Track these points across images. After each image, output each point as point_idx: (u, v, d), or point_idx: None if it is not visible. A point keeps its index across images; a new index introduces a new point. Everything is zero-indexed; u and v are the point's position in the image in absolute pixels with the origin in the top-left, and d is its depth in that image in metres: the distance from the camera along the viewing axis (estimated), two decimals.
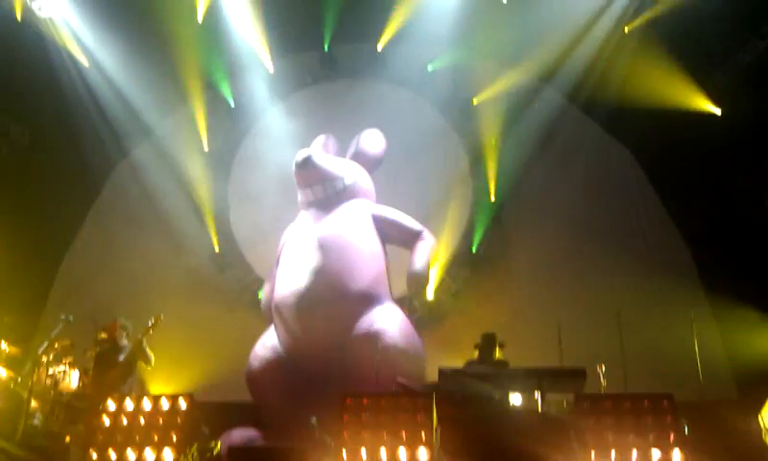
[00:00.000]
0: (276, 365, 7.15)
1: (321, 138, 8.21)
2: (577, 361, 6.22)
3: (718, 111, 8.61)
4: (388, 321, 6.97)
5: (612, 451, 4.80)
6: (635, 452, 4.77)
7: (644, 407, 4.95)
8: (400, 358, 6.72)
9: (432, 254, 7.57)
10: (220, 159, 10.31)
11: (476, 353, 7.26)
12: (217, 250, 9.93)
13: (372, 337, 6.74)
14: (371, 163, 8.07)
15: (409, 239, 7.56)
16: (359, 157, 8.02)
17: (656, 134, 9.04)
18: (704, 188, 8.70)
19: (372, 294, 7.15)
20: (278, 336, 7.29)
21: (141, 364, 7.47)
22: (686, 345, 6.90)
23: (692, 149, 8.59)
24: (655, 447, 4.74)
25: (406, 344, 6.94)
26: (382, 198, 8.04)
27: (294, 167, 7.56)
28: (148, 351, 7.36)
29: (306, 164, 7.49)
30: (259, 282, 9.08)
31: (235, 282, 9.81)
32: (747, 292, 8.04)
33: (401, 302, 7.76)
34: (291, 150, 7.99)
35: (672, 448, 4.72)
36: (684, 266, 9.18)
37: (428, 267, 7.46)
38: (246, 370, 7.29)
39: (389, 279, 7.49)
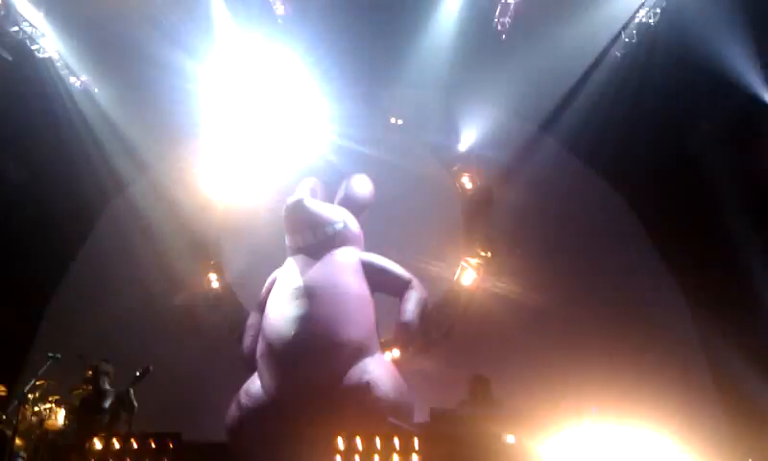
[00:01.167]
0: (260, 415, 6.97)
1: (308, 182, 8.11)
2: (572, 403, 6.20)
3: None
4: (378, 371, 6.89)
5: None
6: None
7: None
8: (392, 409, 6.62)
9: (421, 302, 7.49)
10: (212, 198, 10.32)
11: (468, 394, 7.24)
12: (209, 287, 9.91)
13: (363, 388, 6.67)
14: (359, 208, 8.03)
15: (398, 287, 7.50)
16: (347, 202, 7.98)
17: (652, 183, 9.14)
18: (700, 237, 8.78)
19: (361, 343, 7.06)
20: (263, 384, 7.12)
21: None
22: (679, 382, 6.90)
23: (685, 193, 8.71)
24: None
25: (397, 394, 6.86)
26: (370, 242, 8.00)
27: (284, 212, 7.52)
28: (134, 401, 7.25)
29: (297, 209, 7.43)
30: None
31: (226, 321, 9.75)
32: (740, 340, 8.08)
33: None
34: (280, 192, 7.97)
35: None
36: (677, 315, 9.19)
37: (418, 316, 7.38)
38: (227, 418, 7.10)
39: (377, 328, 7.43)
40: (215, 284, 10.01)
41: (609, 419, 6.37)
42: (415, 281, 7.56)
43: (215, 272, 10.06)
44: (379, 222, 8.38)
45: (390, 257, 7.78)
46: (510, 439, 5.73)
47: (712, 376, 8.49)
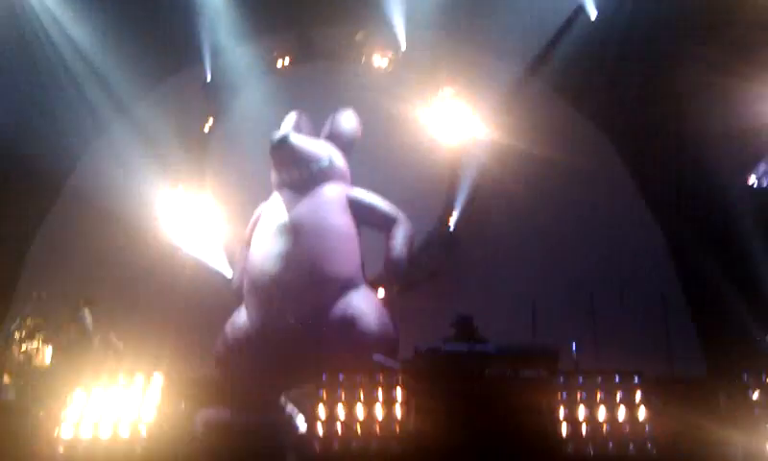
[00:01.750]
0: (246, 345, 7.02)
1: (293, 116, 7.87)
2: (551, 338, 6.34)
3: None
4: (363, 305, 6.94)
5: (584, 426, 4.89)
6: (606, 426, 4.87)
7: (614, 383, 5.04)
8: (376, 343, 6.71)
9: (408, 239, 7.52)
10: (195, 139, 10.22)
11: (452, 332, 7.36)
12: (194, 226, 9.84)
13: (348, 322, 6.74)
14: (345, 144, 7.88)
15: (385, 223, 7.48)
16: (334, 138, 7.83)
17: (638, 126, 9.15)
18: (681, 176, 8.85)
19: (347, 279, 7.06)
20: (249, 317, 7.18)
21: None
22: (658, 323, 7.06)
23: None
24: (624, 421, 4.83)
25: (381, 328, 6.92)
26: (357, 180, 7.96)
27: (270, 147, 7.45)
28: (116, 342, 7.29)
29: (282, 145, 7.32)
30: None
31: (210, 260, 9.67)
32: (719, 276, 8.22)
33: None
34: (266, 129, 7.85)
35: (641, 423, 4.82)
36: (656, 250, 9.34)
37: (405, 252, 7.42)
38: (214, 349, 7.20)
39: (363, 263, 7.47)
40: (201, 220, 9.94)
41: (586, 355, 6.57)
42: (402, 217, 7.53)
43: (199, 209, 9.98)
44: (366, 159, 8.33)
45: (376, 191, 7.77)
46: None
47: (692, 313, 8.68)
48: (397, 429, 4.94)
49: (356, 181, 7.94)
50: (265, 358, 6.85)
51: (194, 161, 10.14)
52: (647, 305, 7.77)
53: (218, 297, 8.42)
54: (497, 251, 9.45)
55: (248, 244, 7.55)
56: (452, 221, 9.83)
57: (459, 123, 10.04)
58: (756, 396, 4.84)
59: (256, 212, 7.73)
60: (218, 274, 9.22)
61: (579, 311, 7.76)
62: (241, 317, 7.26)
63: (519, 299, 8.19)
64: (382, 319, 7.03)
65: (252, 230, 7.59)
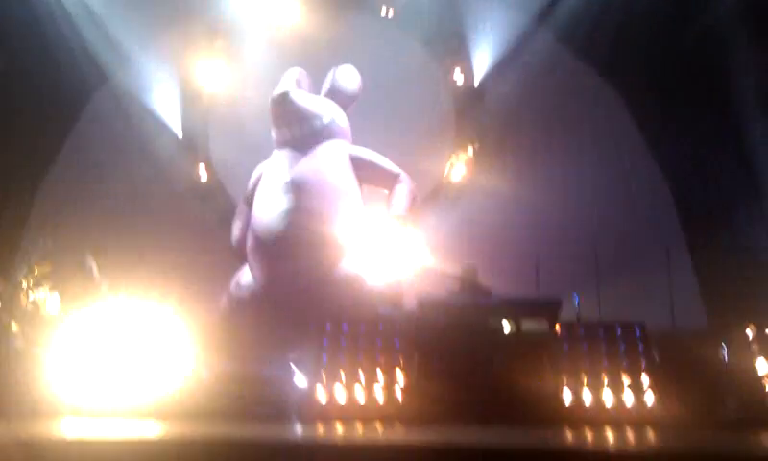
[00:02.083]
0: (252, 304, 7.10)
1: (294, 72, 7.74)
2: (554, 290, 6.36)
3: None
4: (367, 262, 7.00)
5: (584, 377, 4.94)
6: (605, 378, 4.92)
7: (617, 335, 5.08)
8: (381, 299, 6.78)
9: (411, 197, 7.52)
10: (199, 89, 10.11)
11: (456, 285, 7.40)
12: (199, 179, 9.85)
13: (353, 279, 6.79)
14: (346, 101, 7.82)
15: (387, 181, 7.49)
16: (334, 95, 7.76)
17: (647, 79, 9.02)
18: (688, 127, 8.76)
19: (351, 236, 7.11)
20: (254, 276, 7.23)
21: None
22: (661, 276, 7.08)
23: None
24: (625, 373, 4.88)
25: (386, 285, 7.00)
26: (358, 137, 7.89)
27: (270, 104, 7.36)
28: (90, 262, 7.28)
29: (284, 102, 7.26)
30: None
31: (215, 213, 9.70)
32: (724, 230, 8.23)
33: None
34: (267, 83, 7.75)
35: (642, 375, 4.87)
36: (662, 204, 9.30)
37: (408, 210, 7.43)
38: (219, 307, 7.27)
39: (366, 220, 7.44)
40: (204, 176, 9.95)
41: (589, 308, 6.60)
42: (404, 175, 7.56)
43: (204, 163, 9.98)
44: (368, 116, 8.24)
45: (379, 149, 7.73)
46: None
47: (696, 267, 8.69)
48: (400, 382, 5.00)
49: (357, 138, 7.90)
50: (270, 316, 6.92)
51: (196, 115, 10.06)
52: (651, 260, 7.79)
53: (226, 249, 8.50)
54: (501, 204, 9.42)
55: (249, 202, 7.54)
56: (456, 175, 9.78)
57: (463, 77, 9.93)
58: (756, 349, 4.87)
59: (257, 170, 7.71)
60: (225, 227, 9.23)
61: (582, 265, 7.78)
62: (246, 276, 7.31)
63: (523, 252, 8.19)
64: (386, 274, 7.09)
65: (254, 188, 7.57)
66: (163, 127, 9.78)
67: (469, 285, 7.19)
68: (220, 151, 9.95)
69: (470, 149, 9.82)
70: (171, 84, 9.90)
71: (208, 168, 9.98)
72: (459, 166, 9.83)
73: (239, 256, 7.56)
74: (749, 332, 4.94)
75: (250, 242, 7.32)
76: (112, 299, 7.37)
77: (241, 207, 7.83)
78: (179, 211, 9.54)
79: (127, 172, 9.45)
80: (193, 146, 9.98)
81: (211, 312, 7.42)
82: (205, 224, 9.54)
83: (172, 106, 9.90)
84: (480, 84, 9.83)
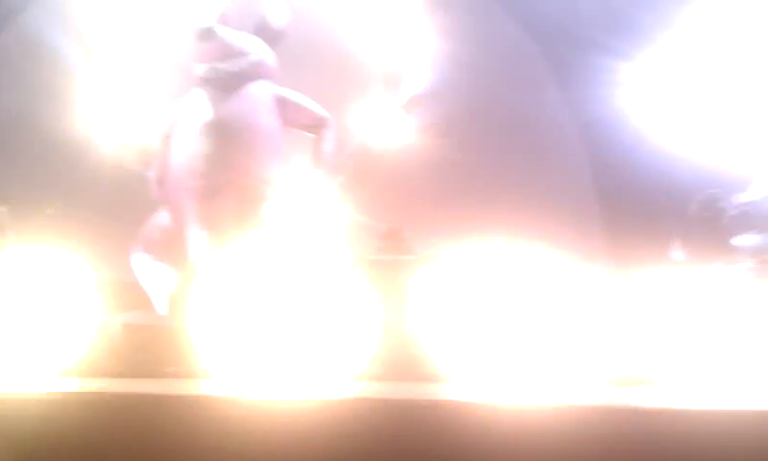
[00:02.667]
0: (169, 249, 6.91)
1: (217, 7, 7.26)
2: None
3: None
4: (293, 210, 6.89)
5: None
6: None
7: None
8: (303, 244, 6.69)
9: (337, 142, 7.42)
10: (113, 24, 9.54)
11: (381, 243, 7.45)
12: (115, 123, 9.40)
13: (278, 227, 6.68)
14: (274, 38, 7.52)
15: (314, 126, 7.34)
16: (262, 31, 7.45)
17: (570, 40, 9.16)
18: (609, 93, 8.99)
19: (276, 181, 6.98)
20: (172, 220, 7.02)
21: None
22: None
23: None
24: None
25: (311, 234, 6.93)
26: (286, 79, 7.67)
27: (192, 38, 7.03)
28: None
29: (208, 36, 6.87)
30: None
31: (133, 152, 9.24)
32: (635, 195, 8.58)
33: None
34: (187, 18, 7.34)
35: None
36: (579, 165, 9.57)
37: (334, 156, 7.34)
38: (132, 251, 7.05)
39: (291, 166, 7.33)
40: (120, 121, 9.51)
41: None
42: (331, 120, 7.41)
43: (121, 106, 9.52)
44: (295, 61, 7.99)
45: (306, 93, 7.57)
46: None
47: (608, 228, 9.04)
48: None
49: (285, 80, 7.67)
50: (185, 263, 6.75)
51: (111, 43, 9.52)
52: (566, 219, 8.04)
53: (140, 196, 8.18)
54: (427, 161, 9.46)
55: (166, 141, 7.23)
56: (383, 129, 9.73)
57: (397, 23, 9.79)
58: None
59: (176, 109, 7.38)
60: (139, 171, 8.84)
61: (504, 227, 7.92)
62: (162, 219, 7.08)
63: (447, 209, 8.28)
64: (311, 223, 7.02)
65: (172, 126, 7.26)
66: (76, 69, 9.25)
67: (394, 245, 7.29)
68: (137, 91, 9.50)
69: (403, 101, 9.75)
70: (85, 22, 9.35)
71: (125, 111, 9.54)
72: (385, 121, 9.78)
73: (155, 198, 7.29)
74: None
75: (169, 183, 7.06)
76: (20, 248, 7.07)
77: (158, 148, 7.50)
78: (93, 159, 9.14)
79: (36, 117, 8.94)
80: (108, 88, 9.49)
81: (125, 262, 7.19)
82: (123, 171, 9.17)
83: (85, 45, 9.36)
84: (409, 39, 9.73)
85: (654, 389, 4.52)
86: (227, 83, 7.02)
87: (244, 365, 4.87)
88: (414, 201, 9.03)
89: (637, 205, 8.66)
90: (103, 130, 9.31)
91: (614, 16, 8.83)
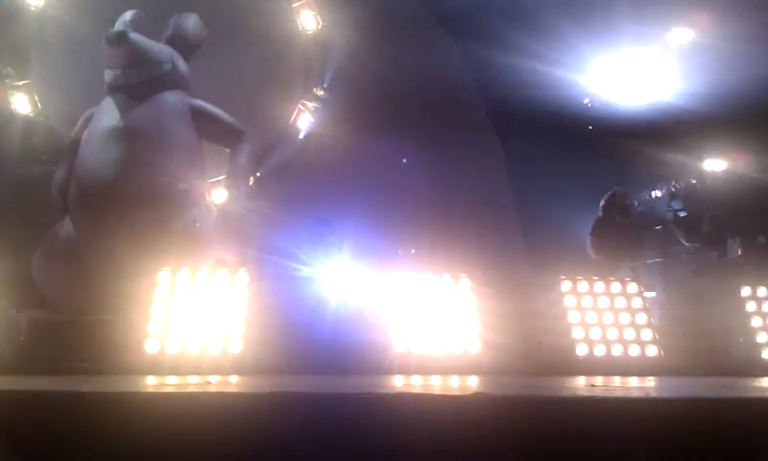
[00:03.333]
0: (73, 259, 6.49)
1: (129, 14, 6.95)
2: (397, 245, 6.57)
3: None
4: (207, 221, 6.70)
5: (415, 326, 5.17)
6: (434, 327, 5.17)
7: (445, 285, 5.33)
8: (220, 258, 6.56)
9: (253, 158, 7.31)
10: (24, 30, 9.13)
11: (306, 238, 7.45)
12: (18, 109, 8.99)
13: (190, 234, 6.49)
14: (188, 49, 7.29)
15: (230, 138, 7.14)
16: (176, 42, 7.19)
17: (484, 34, 9.40)
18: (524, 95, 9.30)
19: (189, 190, 6.67)
20: (77, 228, 6.63)
21: None
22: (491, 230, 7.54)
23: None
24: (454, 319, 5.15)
25: (227, 242, 6.78)
26: (199, 84, 7.49)
27: (104, 43, 6.75)
28: None
29: (121, 42, 6.55)
30: None
31: (38, 150, 8.88)
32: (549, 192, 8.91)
33: None
34: (100, 26, 7.12)
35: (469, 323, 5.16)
36: (495, 161, 9.86)
37: (249, 171, 7.20)
38: (33, 262, 6.67)
39: (206, 177, 7.15)
40: (25, 107, 9.08)
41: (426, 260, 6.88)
42: (247, 134, 7.26)
43: (25, 93, 9.09)
44: (210, 59, 7.83)
45: (222, 96, 7.43)
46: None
47: (522, 227, 9.36)
48: (239, 330, 4.94)
49: (199, 82, 7.51)
50: (94, 271, 6.41)
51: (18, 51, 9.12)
52: (483, 213, 8.27)
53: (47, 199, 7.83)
54: (346, 154, 9.51)
55: (74, 149, 6.89)
56: (302, 123, 9.71)
57: (313, 21, 9.78)
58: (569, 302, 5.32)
59: (85, 115, 7.03)
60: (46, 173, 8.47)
61: (422, 216, 8.07)
62: (66, 228, 6.71)
63: (367, 202, 8.33)
64: (228, 234, 6.88)
65: (81, 131, 6.92)
66: None
67: (322, 238, 7.31)
68: (46, 92, 9.11)
69: (318, 97, 9.75)
70: None
71: (34, 111, 9.13)
72: (306, 115, 9.76)
73: (60, 206, 6.93)
74: (564, 285, 5.36)
75: (74, 191, 6.68)
76: None
77: (64, 154, 7.13)
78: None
79: None
80: (14, 85, 9.06)
81: (27, 264, 6.82)
82: (27, 171, 8.76)
83: None
84: (328, 30, 9.72)
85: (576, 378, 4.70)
86: (138, 89, 6.73)
87: (164, 360, 4.76)
88: (337, 192, 9.05)
89: (552, 204, 8.98)
90: (10, 130, 8.91)
91: (529, 16, 9.11)
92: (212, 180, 7.57)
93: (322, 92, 9.71)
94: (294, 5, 9.67)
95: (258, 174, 8.95)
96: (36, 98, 9.18)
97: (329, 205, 8.39)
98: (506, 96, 9.61)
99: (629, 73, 10.34)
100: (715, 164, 10.38)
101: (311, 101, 9.75)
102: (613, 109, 10.42)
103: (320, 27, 9.67)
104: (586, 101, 10.40)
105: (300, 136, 9.76)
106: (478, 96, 10.04)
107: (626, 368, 4.98)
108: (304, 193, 9.23)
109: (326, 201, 8.69)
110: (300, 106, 9.75)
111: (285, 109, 9.67)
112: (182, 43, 7.23)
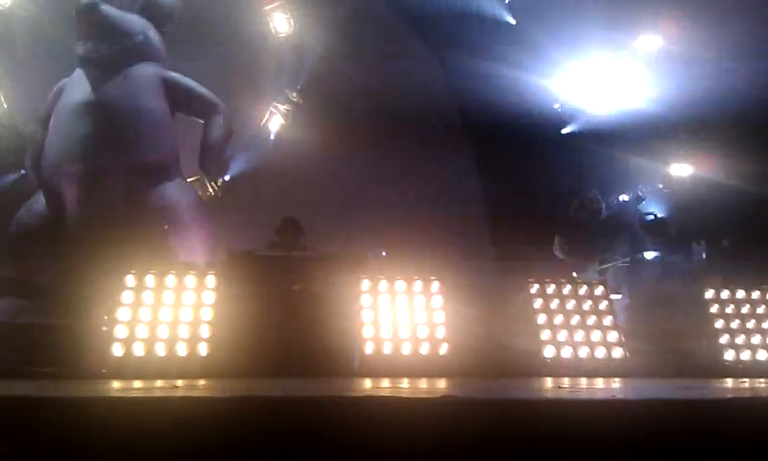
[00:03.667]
0: (43, 234, 6.44)
1: None
2: (363, 246, 6.56)
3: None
4: (179, 197, 6.62)
5: (384, 329, 5.16)
6: (408, 329, 5.16)
7: (416, 289, 5.33)
8: (191, 237, 6.51)
9: (228, 128, 7.17)
10: None
11: (276, 237, 7.42)
12: None
13: (163, 213, 6.41)
14: (161, 19, 7.14)
15: (204, 110, 7.03)
16: (149, 12, 7.06)
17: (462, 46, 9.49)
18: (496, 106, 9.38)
19: (162, 166, 6.61)
20: (49, 204, 6.56)
21: None
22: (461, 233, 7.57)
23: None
24: (424, 325, 5.16)
25: (198, 223, 6.71)
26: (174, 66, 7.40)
27: (75, 14, 6.63)
28: None
29: (91, 12, 6.45)
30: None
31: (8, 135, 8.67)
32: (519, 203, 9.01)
33: None
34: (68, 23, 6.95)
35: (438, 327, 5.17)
36: (468, 170, 9.93)
37: (224, 142, 7.10)
38: (7, 237, 6.58)
39: (179, 154, 7.05)
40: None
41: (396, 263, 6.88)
42: (223, 106, 7.15)
43: None
44: (182, 59, 7.74)
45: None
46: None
47: (491, 230, 9.43)
48: (206, 333, 4.88)
49: (173, 66, 7.40)
50: (63, 249, 6.32)
51: None
52: (454, 218, 8.32)
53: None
54: (318, 157, 9.48)
55: (45, 123, 6.78)
56: (274, 125, 9.66)
57: (286, 24, 9.73)
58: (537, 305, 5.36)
59: (56, 88, 6.91)
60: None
61: (393, 220, 8.09)
62: (38, 203, 6.61)
63: (339, 205, 8.33)
64: (200, 213, 6.80)
65: (51, 106, 6.80)
66: None
67: (292, 236, 7.28)
68: (14, 93, 8.91)
69: (291, 99, 9.71)
70: None
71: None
72: (277, 117, 9.71)
73: (32, 182, 6.82)
74: (531, 288, 5.41)
75: (45, 166, 6.58)
76: None
77: (35, 128, 7.00)
78: None
79: None
80: None
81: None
82: None
83: None
84: (301, 32, 9.69)
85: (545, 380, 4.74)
86: (110, 62, 6.62)
87: (130, 364, 4.66)
88: (308, 194, 9.03)
89: (521, 207, 9.07)
90: None
91: (501, 23, 9.20)
92: (190, 179, 7.44)
93: (294, 95, 9.67)
94: (266, 7, 9.60)
95: (227, 178, 8.87)
96: (2, 98, 8.98)
97: (299, 206, 8.36)
98: (477, 100, 9.67)
99: (598, 79, 10.48)
100: (682, 169, 10.57)
101: (283, 103, 9.70)
102: (583, 114, 10.55)
103: (292, 30, 9.61)
104: (556, 106, 10.53)
105: (271, 137, 9.71)
106: (450, 100, 10.11)
107: (592, 370, 5.04)
108: (275, 194, 9.19)
109: (296, 202, 8.66)
110: (271, 108, 9.69)
111: (257, 110, 9.61)
112: (155, 13, 7.09)
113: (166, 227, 6.30)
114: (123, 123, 6.48)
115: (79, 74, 6.76)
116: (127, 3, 7.04)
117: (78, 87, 6.66)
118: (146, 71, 6.82)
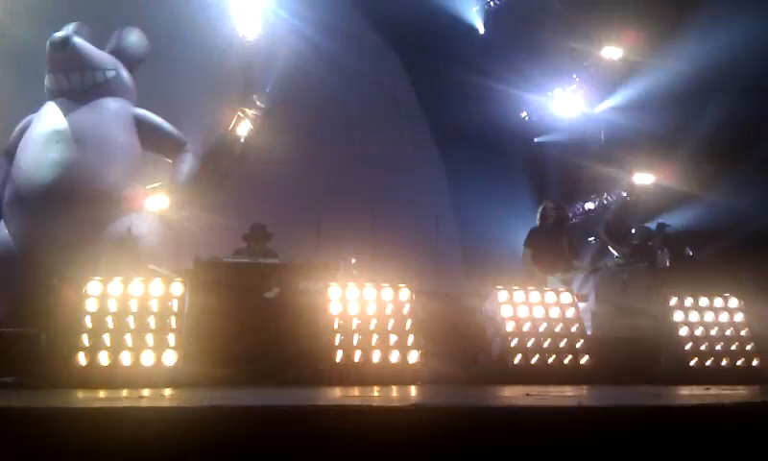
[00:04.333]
0: (7, 264, 6.39)
1: (73, 25, 6.95)
2: (334, 255, 6.55)
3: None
4: (144, 226, 6.63)
5: (356, 336, 5.14)
6: (375, 336, 5.15)
7: (387, 297, 5.32)
8: (156, 262, 6.45)
9: (195, 169, 7.29)
10: None
11: (244, 243, 7.38)
12: None
13: (126, 240, 6.38)
14: (131, 62, 7.30)
15: (172, 148, 7.18)
16: (120, 54, 7.20)
17: (424, 46, 9.53)
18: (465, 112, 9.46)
19: (127, 196, 6.67)
20: (11, 231, 6.51)
21: None
22: (430, 241, 7.62)
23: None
24: (393, 332, 5.15)
25: (164, 249, 6.70)
26: (142, 92, 7.42)
27: (48, 47, 6.61)
28: None
29: (65, 46, 6.53)
30: None
31: None
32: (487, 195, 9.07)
33: None
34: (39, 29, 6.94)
35: (409, 335, 5.17)
36: (436, 176, 9.99)
37: (191, 179, 7.19)
38: None
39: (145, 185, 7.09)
40: None
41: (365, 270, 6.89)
42: (190, 145, 7.28)
43: None
44: (149, 64, 7.71)
45: (164, 103, 7.36)
46: (270, 294, 5.86)
47: (460, 235, 9.50)
48: (173, 342, 4.81)
49: (142, 91, 7.44)
50: (24, 276, 6.24)
51: None
52: (422, 225, 8.36)
53: None
54: (286, 162, 9.46)
55: (11, 153, 6.75)
56: (242, 130, 9.61)
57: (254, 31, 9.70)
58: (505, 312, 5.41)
59: (24, 121, 6.92)
60: None
61: (362, 227, 8.09)
62: (1, 233, 6.53)
63: (307, 211, 8.32)
64: (166, 241, 6.80)
65: (17, 139, 6.80)
66: None
67: (258, 241, 7.25)
68: None
69: (258, 105, 9.67)
70: None
71: None
72: (245, 122, 9.66)
73: None
74: (500, 295, 5.44)
75: (9, 194, 6.54)
76: None
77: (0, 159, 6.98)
78: None
79: None
80: None
81: None
82: None
83: None
84: (269, 39, 9.68)
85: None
86: (81, 95, 6.73)
87: (95, 373, 4.56)
88: (276, 200, 9.00)
89: (489, 215, 9.16)
90: None
91: (469, 32, 9.30)
92: (150, 186, 7.40)
93: (261, 100, 9.64)
94: (234, 12, 9.57)
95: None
96: None
97: (267, 212, 8.33)
98: (446, 109, 9.75)
99: (564, 88, 10.65)
100: (644, 178, 10.76)
101: (251, 108, 9.65)
102: (549, 123, 10.70)
103: (260, 35, 9.59)
104: (523, 115, 10.67)
105: (240, 142, 9.65)
106: (418, 109, 10.19)
107: (560, 377, 5.09)
108: (242, 201, 9.13)
109: (264, 208, 8.62)
110: (239, 113, 9.64)
111: (224, 115, 9.55)
112: (126, 56, 7.24)
113: (131, 231, 6.24)
114: (95, 151, 6.50)
115: (48, 106, 6.83)
116: (99, 46, 7.09)
117: (47, 118, 6.73)
118: (116, 105, 6.97)
